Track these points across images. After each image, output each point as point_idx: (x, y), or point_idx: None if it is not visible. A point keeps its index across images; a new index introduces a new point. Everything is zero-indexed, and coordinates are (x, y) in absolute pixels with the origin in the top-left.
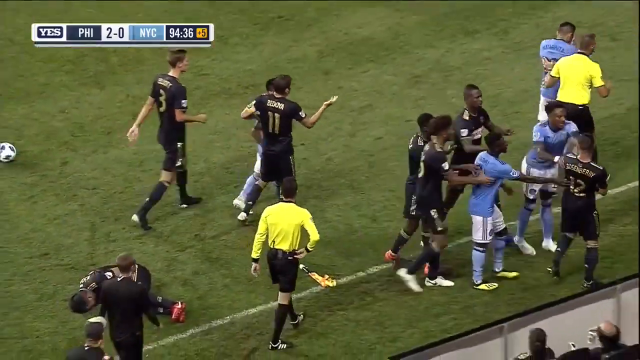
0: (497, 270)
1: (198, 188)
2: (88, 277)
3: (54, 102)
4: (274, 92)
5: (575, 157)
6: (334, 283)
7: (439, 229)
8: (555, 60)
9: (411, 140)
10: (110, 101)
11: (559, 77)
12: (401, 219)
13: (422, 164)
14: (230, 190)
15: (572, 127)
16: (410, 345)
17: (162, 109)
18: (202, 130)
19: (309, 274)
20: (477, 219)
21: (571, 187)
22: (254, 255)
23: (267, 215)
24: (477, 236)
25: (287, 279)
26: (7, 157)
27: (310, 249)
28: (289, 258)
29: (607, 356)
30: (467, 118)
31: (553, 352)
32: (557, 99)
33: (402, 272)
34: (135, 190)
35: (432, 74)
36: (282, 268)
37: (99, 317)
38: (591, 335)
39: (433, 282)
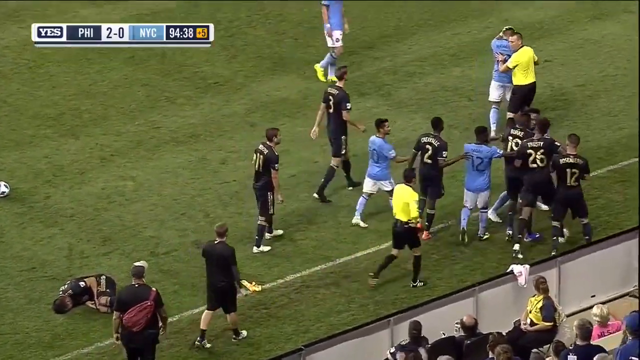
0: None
1: (152, 216)
2: (66, 286)
3: (40, 150)
4: (267, 139)
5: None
6: (260, 288)
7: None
8: (508, 55)
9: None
10: (83, 148)
11: (514, 67)
12: (309, 237)
13: (544, 157)
14: (178, 217)
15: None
16: (318, 336)
17: (331, 110)
18: (154, 170)
19: (240, 281)
20: (485, 193)
21: (568, 177)
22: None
23: (394, 193)
24: (483, 204)
25: (411, 241)
26: (3, 192)
27: (417, 222)
28: (405, 226)
29: (468, 342)
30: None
31: (427, 339)
32: (517, 83)
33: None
34: (103, 218)
35: None
36: (401, 233)
37: (142, 261)
38: (457, 326)
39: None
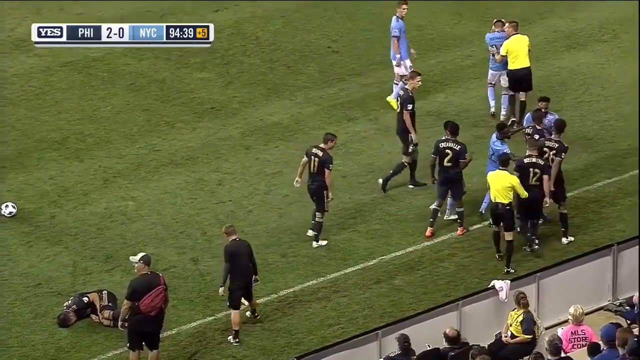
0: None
1: (152, 234)
2: (70, 301)
3: (45, 172)
4: (322, 144)
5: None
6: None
7: None
8: (499, 46)
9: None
10: (86, 171)
11: (506, 55)
12: (302, 254)
13: (555, 158)
14: (176, 235)
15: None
16: (310, 348)
17: (397, 110)
18: (154, 190)
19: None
20: None
21: (530, 177)
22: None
23: (489, 178)
24: None
25: (508, 223)
26: (10, 213)
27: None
28: (507, 208)
29: (452, 353)
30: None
31: (414, 351)
32: (510, 68)
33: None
34: (106, 237)
35: None
36: (503, 214)
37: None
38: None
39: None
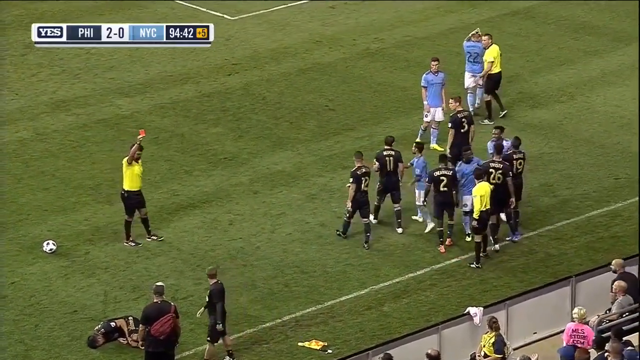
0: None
1: (172, 267)
2: (99, 325)
3: (81, 214)
4: (386, 146)
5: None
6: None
7: None
8: (477, 54)
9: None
10: (116, 213)
11: (492, 61)
12: (302, 284)
13: (501, 176)
14: (194, 269)
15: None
16: None
17: (462, 130)
18: (175, 230)
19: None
20: (470, 197)
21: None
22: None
23: (479, 191)
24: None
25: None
26: (51, 249)
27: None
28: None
29: None
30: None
31: None
32: (493, 72)
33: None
34: (133, 269)
35: (322, 193)
36: (487, 219)
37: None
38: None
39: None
